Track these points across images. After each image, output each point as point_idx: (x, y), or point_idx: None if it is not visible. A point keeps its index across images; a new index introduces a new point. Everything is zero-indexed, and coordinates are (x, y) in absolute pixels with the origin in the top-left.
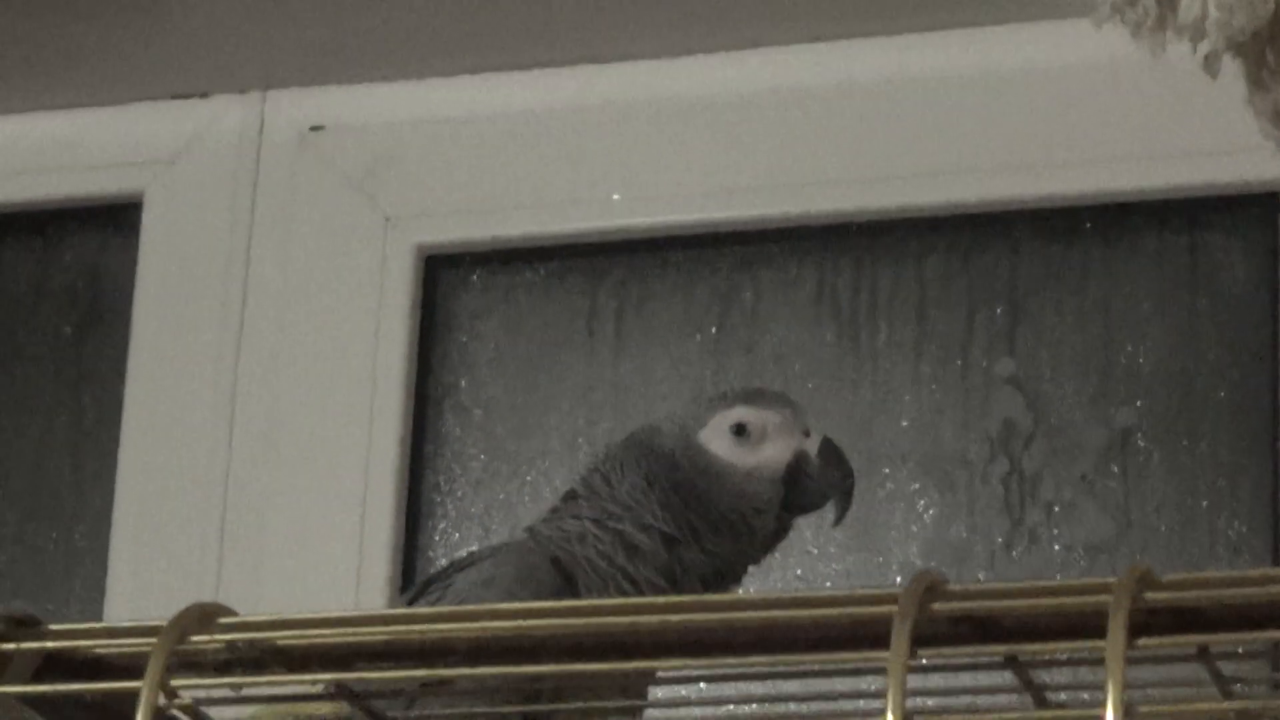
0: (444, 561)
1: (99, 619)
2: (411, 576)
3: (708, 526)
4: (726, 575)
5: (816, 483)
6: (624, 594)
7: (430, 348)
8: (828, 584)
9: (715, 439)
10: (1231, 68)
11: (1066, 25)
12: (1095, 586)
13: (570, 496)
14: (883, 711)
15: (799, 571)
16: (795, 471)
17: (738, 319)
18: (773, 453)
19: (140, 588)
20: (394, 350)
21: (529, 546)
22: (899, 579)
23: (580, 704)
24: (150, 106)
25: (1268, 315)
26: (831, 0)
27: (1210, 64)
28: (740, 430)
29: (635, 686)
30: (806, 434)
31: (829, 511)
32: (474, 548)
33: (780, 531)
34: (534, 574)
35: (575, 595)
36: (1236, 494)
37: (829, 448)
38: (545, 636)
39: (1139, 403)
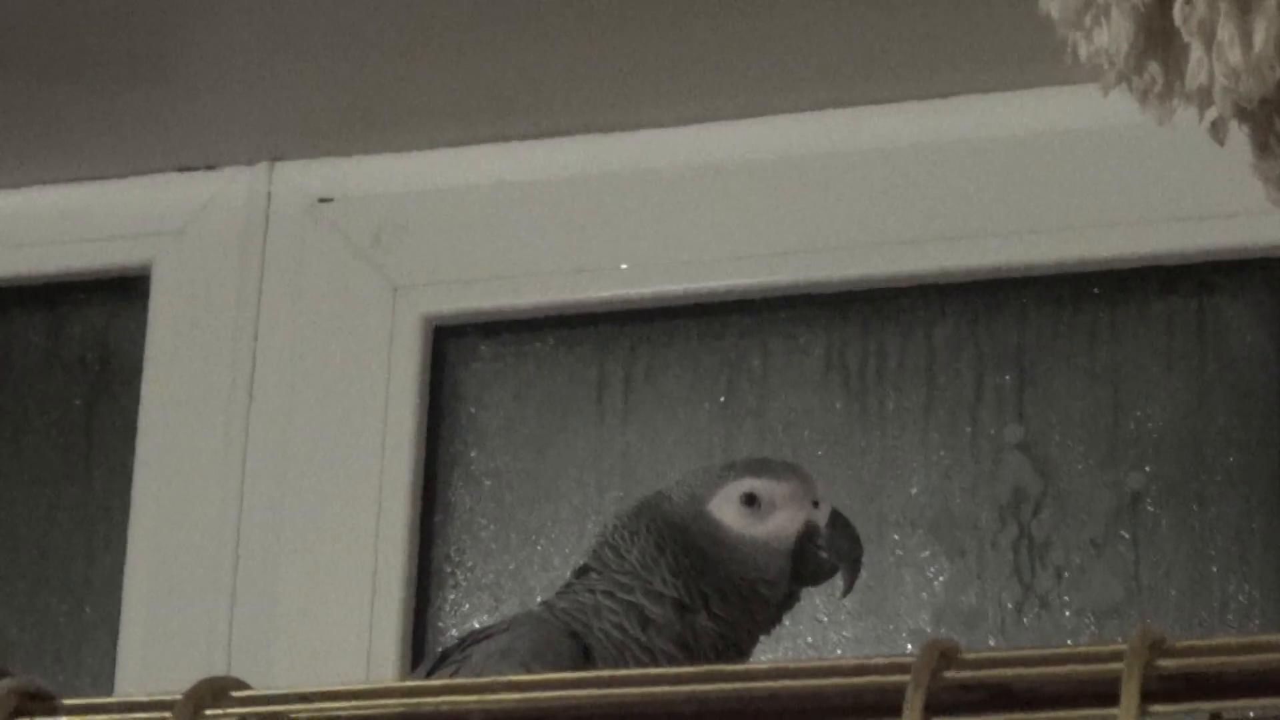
0: (455, 631)
1: (109, 691)
2: (422, 646)
3: (718, 594)
4: (738, 644)
5: (825, 554)
6: (640, 665)
7: (439, 418)
8: (838, 651)
9: (725, 509)
10: (1239, 133)
11: (1073, 91)
12: (1108, 653)
13: (583, 571)
14: None
15: (809, 639)
16: (804, 542)
17: (746, 387)
18: (782, 523)
19: (151, 659)
20: (403, 420)
21: (545, 619)
22: (909, 645)
23: None
24: (158, 179)
25: (1276, 379)
26: (837, 68)
27: (1217, 130)
28: (750, 500)
29: None
30: (816, 504)
31: (837, 580)
32: (484, 617)
33: (789, 601)
34: (551, 646)
35: (592, 667)
36: (1246, 558)
37: (838, 519)
38: (559, 707)
39: (1148, 467)
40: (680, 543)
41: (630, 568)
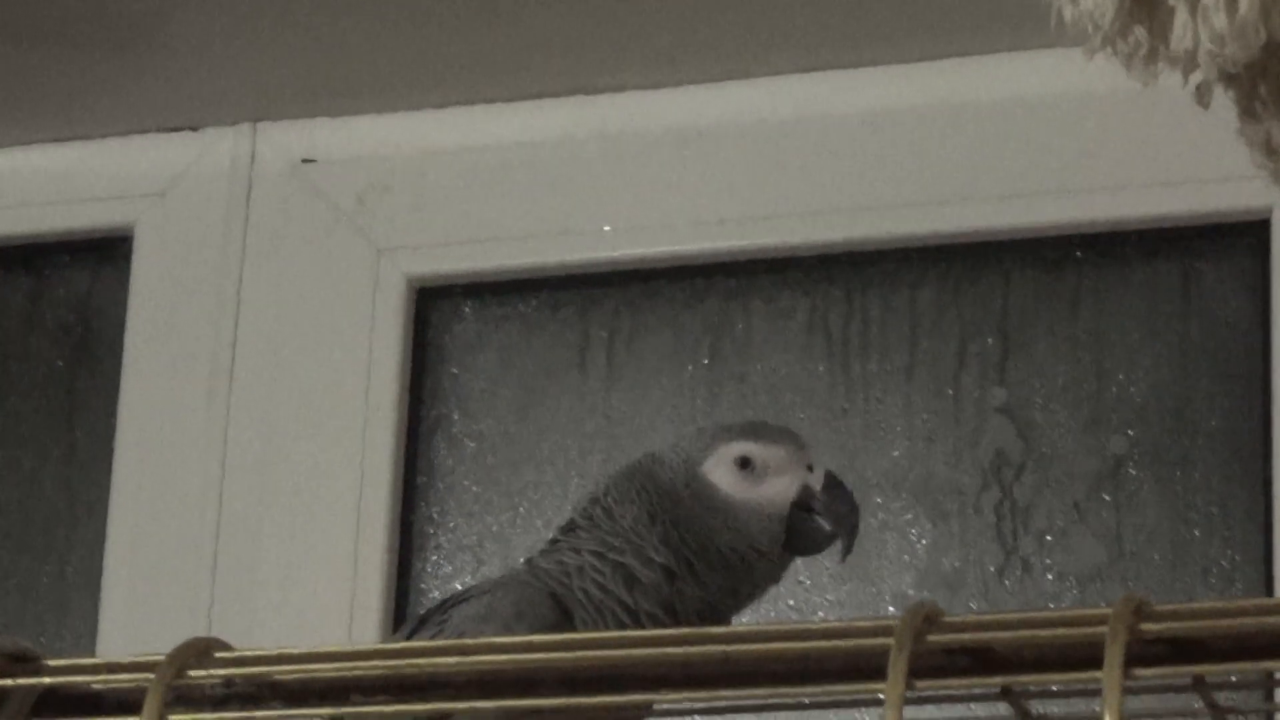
0: (437, 593)
1: (92, 653)
2: (404, 608)
3: (704, 562)
4: (721, 612)
5: (822, 518)
6: (622, 626)
7: (422, 379)
8: (820, 615)
9: (718, 471)
10: (1223, 97)
11: (1058, 55)
12: (1091, 617)
13: (570, 528)
14: None
15: (791, 602)
16: (799, 508)
17: (729, 349)
18: (777, 488)
19: (133, 622)
20: (386, 382)
21: (526, 581)
22: (891, 609)
23: None
24: (141, 140)
25: (1259, 343)
26: (821, 31)
27: (1202, 94)
28: (745, 463)
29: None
30: (810, 469)
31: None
32: (467, 579)
33: (776, 572)
34: (532, 608)
35: (573, 629)
36: (1228, 522)
37: (834, 483)
38: (541, 669)
39: (1130, 431)
40: (672, 512)
41: (621, 530)
